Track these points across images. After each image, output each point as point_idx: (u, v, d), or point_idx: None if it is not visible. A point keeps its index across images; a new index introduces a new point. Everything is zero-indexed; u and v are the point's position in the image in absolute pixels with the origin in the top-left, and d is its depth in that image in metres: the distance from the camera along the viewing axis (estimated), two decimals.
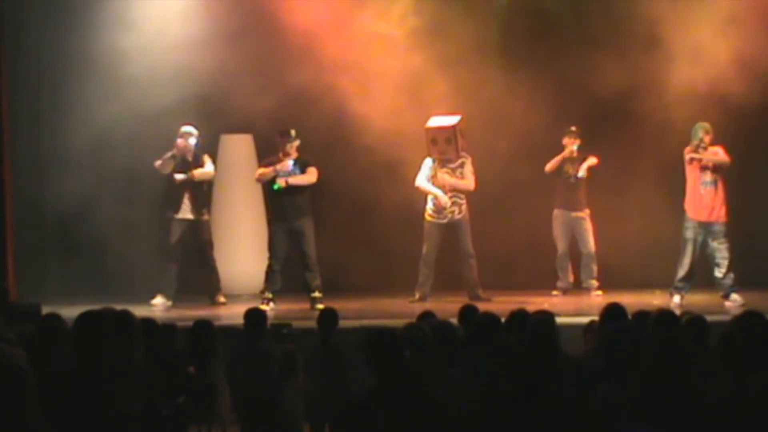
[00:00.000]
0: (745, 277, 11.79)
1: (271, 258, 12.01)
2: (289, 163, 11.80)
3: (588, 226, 12.70)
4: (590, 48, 12.80)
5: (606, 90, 12.54)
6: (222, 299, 12.44)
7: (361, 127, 12.61)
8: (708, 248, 11.57)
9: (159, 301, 12.18)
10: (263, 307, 11.37)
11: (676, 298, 11.54)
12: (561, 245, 12.78)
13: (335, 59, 12.71)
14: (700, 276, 11.81)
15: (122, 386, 5.22)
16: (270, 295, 11.86)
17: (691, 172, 11.60)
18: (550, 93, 13.20)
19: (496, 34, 13.27)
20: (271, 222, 12.23)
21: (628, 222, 12.99)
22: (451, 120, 12.20)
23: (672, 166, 11.99)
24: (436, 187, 12.19)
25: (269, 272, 11.96)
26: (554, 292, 12.73)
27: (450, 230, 12.24)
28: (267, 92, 12.85)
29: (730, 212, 11.68)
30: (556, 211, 12.78)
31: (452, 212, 12.20)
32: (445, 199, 12.14)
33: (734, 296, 11.46)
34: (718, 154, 11.52)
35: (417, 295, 12.14)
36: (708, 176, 11.56)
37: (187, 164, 12.36)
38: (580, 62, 12.84)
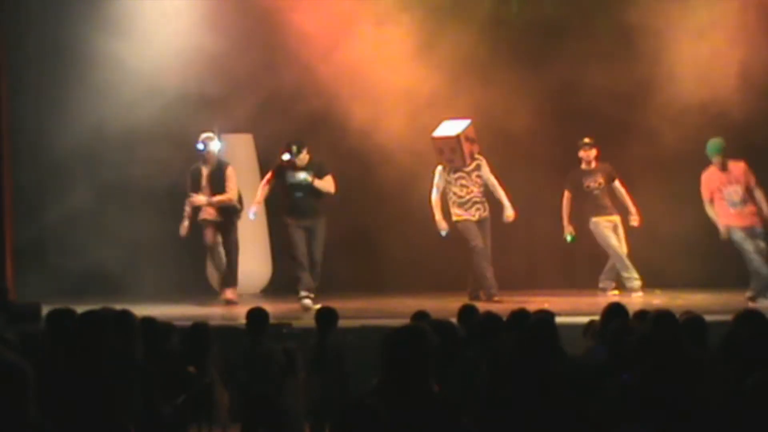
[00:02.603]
0: (746, 277, 11.80)
1: (294, 258, 11.89)
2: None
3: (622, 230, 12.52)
4: (594, 56, 12.82)
5: (609, 97, 12.62)
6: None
7: (361, 128, 12.64)
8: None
9: (230, 294, 12.19)
10: (310, 305, 11.31)
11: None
12: (623, 246, 12.45)
13: (335, 62, 12.74)
14: (702, 276, 11.82)
15: (122, 386, 5.22)
16: (305, 293, 11.70)
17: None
18: (552, 100, 13.26)
19: (499, 43, 13.28)
20: (286, 222, 12.09)
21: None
22: (456, 128, 12.14)
23: (672, 171, 12.01)
24: (461, 195, 12.12)
25: (297, 271, 11.84)
26: (637, 294, 12.26)
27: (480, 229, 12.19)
28: (267, 93, 12.88)
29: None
30: (595, 219, 12.47)
31: (478, 210, 12.15)
32: (443, 226, 12.09)
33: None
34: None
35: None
36: (735, 197, 11.54)
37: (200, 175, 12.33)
38: (583, 70, 12.86)
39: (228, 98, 13.00)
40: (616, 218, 12.50)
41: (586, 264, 13.06)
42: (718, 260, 12.43)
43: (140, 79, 12.80)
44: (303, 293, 11.74)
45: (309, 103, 12.96)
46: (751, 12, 12.68)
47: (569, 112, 13.22)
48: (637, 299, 11.75)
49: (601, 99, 12.78)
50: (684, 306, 8.79)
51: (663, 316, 6.22)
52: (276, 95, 12.98)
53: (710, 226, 11.94)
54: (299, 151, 11.79)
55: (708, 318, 6.57)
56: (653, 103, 12.80)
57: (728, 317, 6.35)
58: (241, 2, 13.30)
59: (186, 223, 12.21)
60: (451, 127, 12.23)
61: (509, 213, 12.16)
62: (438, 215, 12.15)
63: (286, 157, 11.81)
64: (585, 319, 7.69)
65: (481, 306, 7.94)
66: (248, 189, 12.88)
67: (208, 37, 12.79)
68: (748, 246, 11.48)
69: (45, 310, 8.56)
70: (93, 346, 5.29)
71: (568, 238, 12.51)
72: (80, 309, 5.82)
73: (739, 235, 11.52)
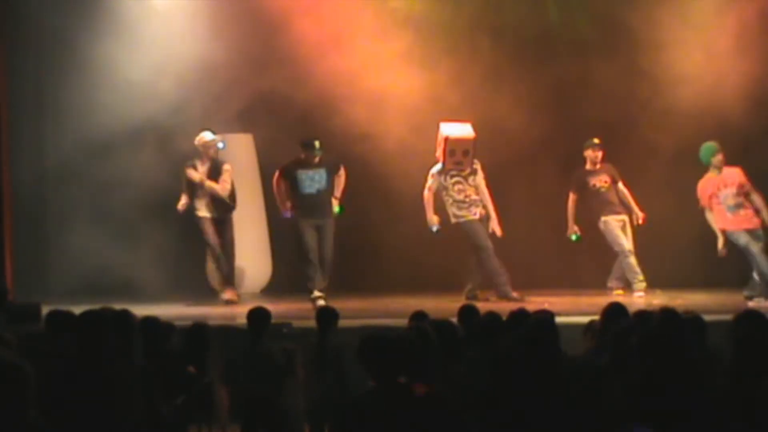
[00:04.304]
0: (746, 277, 11.81)
1: (306, 258, 11.87)
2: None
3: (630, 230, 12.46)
4: (594, 59, 12.83)
5: (610, 99, 12.64)
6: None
7: (361, 129, 12.65)
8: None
9: (229, 295, 12.19)
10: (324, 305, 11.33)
11: None
12: (630, 246, 12.39)
13: (335, 63, 12.76)
14: (702, 276, 11.79)
15: (122, 385, 5.22)
16: (319, 294, 11.67)
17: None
18: (553, 101, 13.27)
19: (498, 44, 13.29)
20: (298, 220, 12.05)
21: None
22: (468, 131, 12.12)
23: (672, 172, 11.98)
24: (459, 198, 12.13)
25: (309, 271, 11.82)
26: (639, 294, 12.21)
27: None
28: (267, 93, 12.88)
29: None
30: (605, 218, 12.40)
31: (477, 207, 12.17)
32: (434, 221, 12.11)
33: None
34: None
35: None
36: (731, 200, 11.51)
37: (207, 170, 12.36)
38: (583, 74, 12.88)
39: (228, 99, 13.00)
40: (625, 217, 12.44)
41: (587, 264, 13.05)
42: (718, 260, 12.41)
43: (140, 81, 12.79)
44: (316, 293, 11.69)
45: (309, 103, 12.95)
46: (753, 17, 12.69)
47: (570, 114, 13.22)
48: (638, 299, 11.69)
49: (601, 101, 12.80)
50: (684, 306, 8.80)
51: (667, 315, 6.22)
52: (276, 95, 12.97)
53: (709, 226, 11.94)
54: (321, 147, 11.81)
55: (708, 318, 6.57)
56: (654, 105, 12.80)
57: (728, 317, 6.36)
58: (241, 5, 13.29)
59: (184, 200, 12.25)
60: (458, 129, 12.17)
61: (496, 225, 12.13)
62: (430, 212, 12.14)
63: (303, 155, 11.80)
64: (585, 319, 7.67)
65: (484, 306, 7.96)
66: (249, 189, 12.89)
67: (209, 36, 12.79)
68: (754, 248, 11.39)
69: (45, 310, 8.56)
70: (93, 346, 5.29)
71: (573, 237, 12.46)
72: (80, 309, 5.82)
73: (744, 238, 11.43)
